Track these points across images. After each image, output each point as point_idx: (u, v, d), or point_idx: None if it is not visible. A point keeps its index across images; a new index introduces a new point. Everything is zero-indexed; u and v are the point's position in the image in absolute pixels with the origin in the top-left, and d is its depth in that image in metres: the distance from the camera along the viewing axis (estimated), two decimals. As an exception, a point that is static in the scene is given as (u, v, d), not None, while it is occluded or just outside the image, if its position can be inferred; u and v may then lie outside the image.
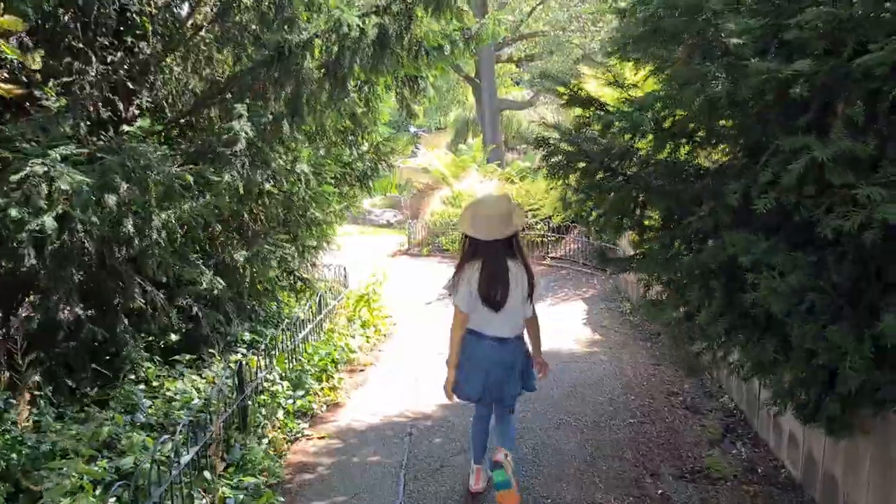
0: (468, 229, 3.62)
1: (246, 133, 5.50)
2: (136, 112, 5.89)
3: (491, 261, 3.55)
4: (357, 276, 11.84)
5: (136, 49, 5.90)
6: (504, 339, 3.69)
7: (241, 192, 5.69)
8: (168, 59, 6.26)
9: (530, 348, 3.93)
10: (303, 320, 6.66)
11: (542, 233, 12.19)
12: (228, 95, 6.06)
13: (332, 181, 7.27)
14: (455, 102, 30.81)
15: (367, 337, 7.58)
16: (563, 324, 8.01)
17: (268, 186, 6.37)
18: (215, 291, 5.90)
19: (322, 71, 6.11)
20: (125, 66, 5.59)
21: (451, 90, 29.65)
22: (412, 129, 37.64)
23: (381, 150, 7.92)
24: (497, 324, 3.66)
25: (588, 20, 24.60)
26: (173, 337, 5.91)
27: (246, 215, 6.51)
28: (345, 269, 9.88)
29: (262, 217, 6.87)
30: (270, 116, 5.96)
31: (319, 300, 7.09)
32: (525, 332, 3.88)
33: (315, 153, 7.16)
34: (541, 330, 3.99)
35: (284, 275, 7.43)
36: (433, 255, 13.81)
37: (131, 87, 5.75)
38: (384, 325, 8.10)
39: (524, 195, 13.15)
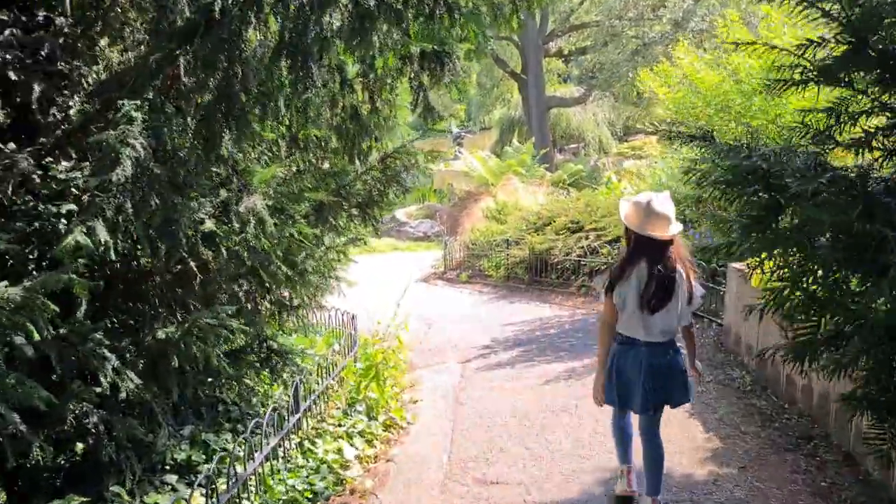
0: (635, 226, 3.45)
1: (135, 151, 3.09)
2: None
3: (659, 261, 3.41)
4: (378, 311, 9.48)
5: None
6: (659, 343, 3.51)
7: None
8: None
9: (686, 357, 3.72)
10: (281, 417, 4.30)
11: (607, 261, 9.63)
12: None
13: (313, 215, 4.78)
14: (499, 100, 28.21)
15: (373, 436, 5.13)
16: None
17: (209, 224, 3.98)
18: (122, 392, 3.55)
19: (277, 47, 3.71)
20: None
21: (495, 87, 27.06)
22: (454, 130, 35.22)
23: (391, 164, 5.45)
24: (653, 327, 3.47)
25: (647, 7, 21.80)
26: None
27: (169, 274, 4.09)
28: (353, 317, 7.44)
29: (214, 269, 4.45)
30: (191, 120, 3.56)
31: (295, 391, 4.65)
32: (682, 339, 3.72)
33: (289, 172, 4.73)
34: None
35: (256, 344, 5.03)
36: (473, 283, 11.32)
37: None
38: (400, 414, 5.54)
39: (582, 209, 10.60)
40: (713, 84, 7.76)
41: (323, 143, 5.82)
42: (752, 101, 7.46)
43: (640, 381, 3.52)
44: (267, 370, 5.10)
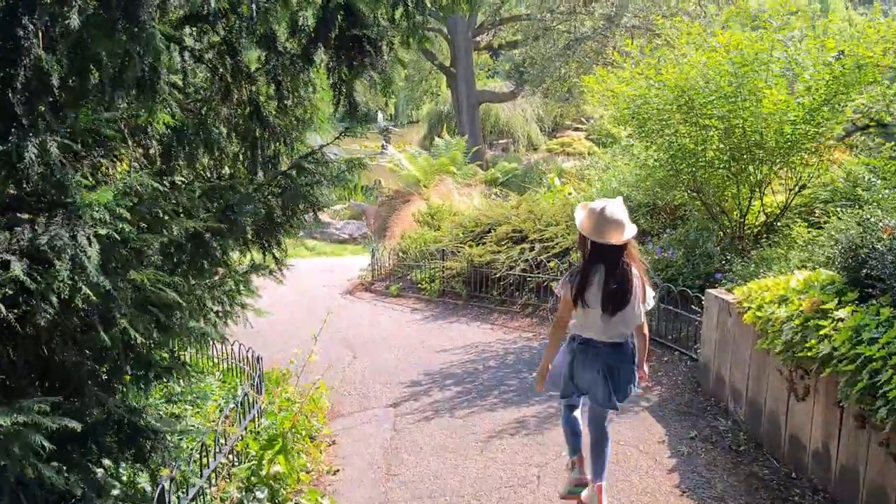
0: (592, 234, 3.50)
1: None
2: None
3: (613, 265, 3.48)
4: (295, 334, 8.19)
5: None
6: (616, 343, 3.61)
7: None
8: None
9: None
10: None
11: (555, 276, 8.42)
12: None
13: (185, 250, 3.38)
14: (428, 94, 26.90)
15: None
16: (632, 477, 4.34)
17: (16, 269, 2.57)
18: None
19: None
20: None
21: (423, 80, 25.73)
22: (381, 123, 33.79)
23: (297, 176, 4.08)
24: (609, 329, 3.56)
25: (578, 1, 20.84)
26: None
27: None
28: (259, 360, 6.05)
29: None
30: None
31: (161, 496, 3.27)
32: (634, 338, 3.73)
33: (147, 188, 3.32)
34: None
35: (111, 425, 3.62)
36: (405, 297, 10.01)
37: None
38: (315, 498, 4.18)
39: (525, 216, 9.39)
40: (679, 80, 6.66)
41: (216, 148, 4.45)
42: (736, 98, 6.42)
43: (603, 381, 3.63)
44: (129, 456, 3.70)
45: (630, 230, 3.52)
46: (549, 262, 8.36)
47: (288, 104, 4.29)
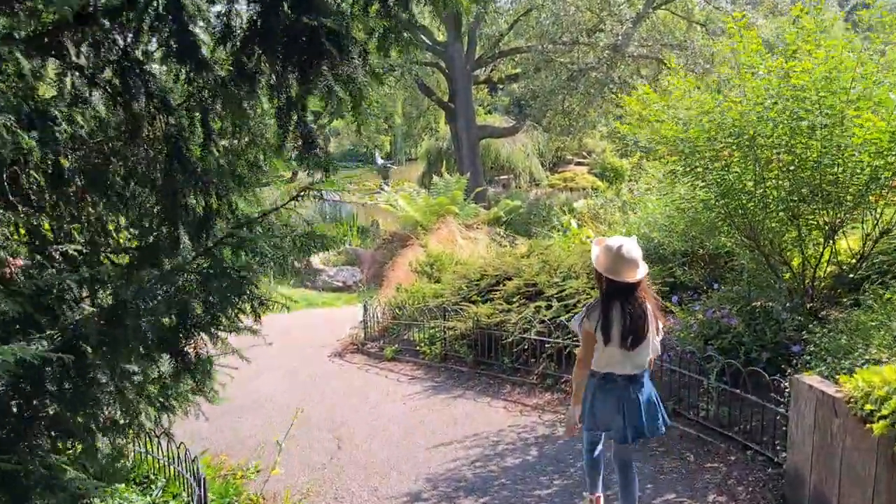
0: (609, 272, 3.55)
1: None
2: None
3: (632, 302, 3.54)
4: (272, 414, 6.83)
5: None
6: (634, 376, 3.66)
7: None
8: None
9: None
10: None
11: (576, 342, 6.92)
12: None
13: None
14: (426, 130, 25.66)
15: None
16: None
17: None
18: None
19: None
20: None
21: (421, 116, 24.51)
22: (379, 161, 32.59)
23: (234, 251, 2.70)
24: (628, 362, 3.62)
25: (581, 31, 19.64)
26: None
27: None
28: (202, 483, 4.55)
29: None
30: None
31: None
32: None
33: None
34: None
35: None
36: (402, 361, 8.56)
37: None
38: None
39: (538, 268, 7.95)
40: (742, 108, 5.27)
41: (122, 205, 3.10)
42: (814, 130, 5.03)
43: (620, 414, 3.63)
44: None
45: (643, 268, 3.61)
46: (568, 321, 6.91)
47: (215, 140, 2.91)
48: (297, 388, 7.87)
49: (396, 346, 8.87)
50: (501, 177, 30.54)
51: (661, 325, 3.77)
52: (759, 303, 5.84)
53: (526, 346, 7.16)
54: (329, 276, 14.69)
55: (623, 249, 3.54)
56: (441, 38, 21.48)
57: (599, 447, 3.96)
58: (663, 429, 3.79)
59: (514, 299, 7.71)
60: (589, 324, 3.61)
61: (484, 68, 23.07)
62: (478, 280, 8.62)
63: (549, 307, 7.32)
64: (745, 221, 5.87)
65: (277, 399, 7.60)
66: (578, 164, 35.28)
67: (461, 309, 8.10)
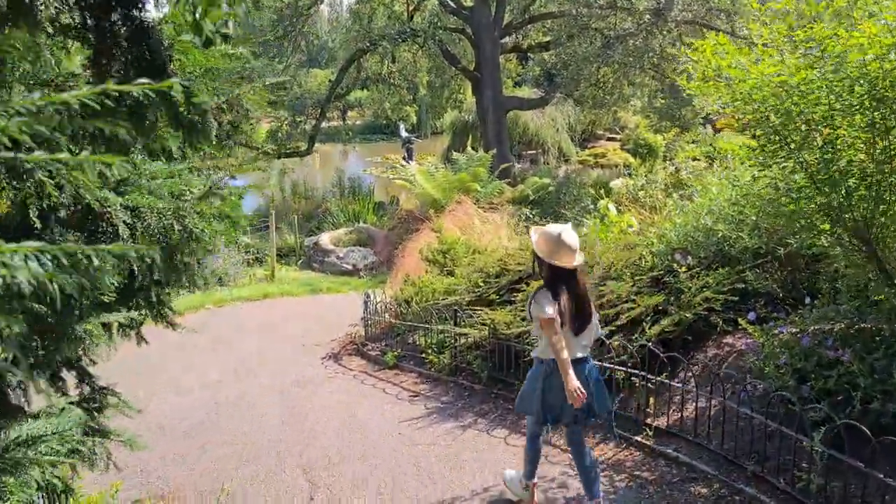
0: (554, 258, 3.59)
1: None
2: None
3: (574, 287, 3.64)
4: (242, 436, 5.50)
5: None
6: (583, 358, 3.71)
7: None
8: None
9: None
10: None
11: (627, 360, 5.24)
12: None
13: None
14: (451, 102, 23.97)
15: None
16: None
17: None
18: None
19: None
20: None
21: (445, 86, 22.81)
22: (403, 134, 30.99)
23: None
24: (576, 346, 3.66)
25: (620, -6, 17.74)
26: None
27: None
28: None
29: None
30: None
31: None
32: None
33: None
34: None
35: None
36: (404, 370, 7.10)
37: None
38: None
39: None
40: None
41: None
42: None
43: (567, 398, 3.57)
44: None
45: (580, 256, 3.68)
46: (610, 338, 5.37)
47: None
48: (276, 403, 6.45)
49: (400, 350, 7.39)
50: (529, 152, 28.81)
51: (594, 312, 3.84)
52: (871, 326, 4.25)
53: (554, 365, 5.63)
54: (338, 258, 13.24)
55: (564, 236, 3.59)
56: (468, 2, 19.74)
57: (543, 435, 4.01)
58: (611, 405, 3.92)
59: (541, 303, 6.16)
60: (543, 310, 3.54)
61: (513, 35, 21.25)
62: (497, 275, 7.09)
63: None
64: (855, 215, 4.25)
65: (249, 413, 6.20)
66: (610, 139, 33.36)
67: (476, 311, 6.58)
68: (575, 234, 3.66)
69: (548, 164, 27.46)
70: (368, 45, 18.70)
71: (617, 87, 19.86)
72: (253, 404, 6.42)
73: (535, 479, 4.11)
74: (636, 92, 22.92)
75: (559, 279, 3.59)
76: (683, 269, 5.58)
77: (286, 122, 20.69)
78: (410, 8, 20.63)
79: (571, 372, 3.49)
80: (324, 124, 21.84)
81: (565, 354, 3.51)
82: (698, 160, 15.37)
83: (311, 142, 20.33)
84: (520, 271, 6.78)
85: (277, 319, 9.42)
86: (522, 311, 6.08)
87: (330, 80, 21.31)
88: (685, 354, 5.25)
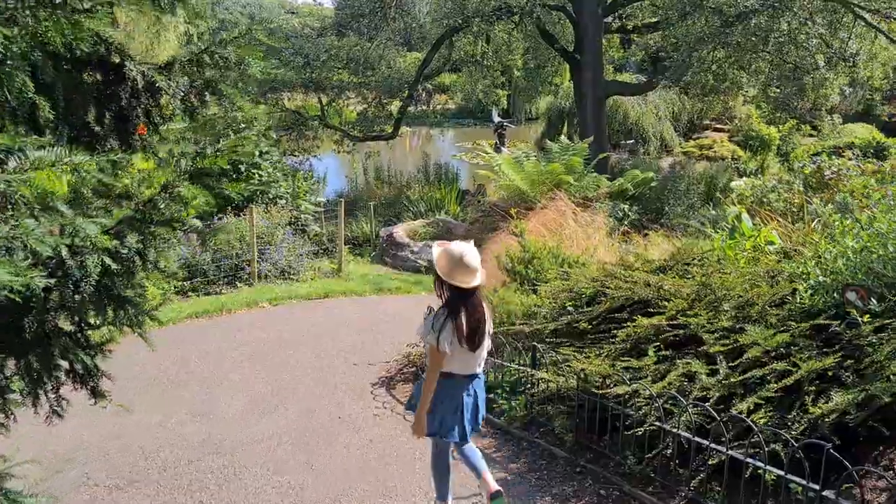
0: (453, 278, 3.53)
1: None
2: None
3: (473, 306, 3.59)
4: None
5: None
6: (474, 374, 3.73)
7: None
8: None
9: None
10: None
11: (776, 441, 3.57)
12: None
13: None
14: (547, 86, 22.09)
15: None
16: None
17: None
18: None
19: None
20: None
21: (541, 68, 20.96)
22: (496, 119, 29.30)
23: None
24: (472, 362, 3.68)
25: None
26: None
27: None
28: None
29: None
30: None
31: None
32: None
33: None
34: None
35: None
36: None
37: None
38: None
39: (690, 290, 4.69)
40: None
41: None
42: None
43: (458, 413, 3.65)
44: None
45: (481, 274, 3.61)
46: (753, 414, 3.64)
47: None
48: (295, 460, 5.04)
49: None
50: (627, 141, 26.60)
51: (490, 325, 3.78)
52: None
53: (668, 442, 3.96)
54: (412, 253, 11.80)
55: (465, 258, 3.55)
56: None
57: (450, 452, 3.90)
58: (484, 413, 3.85)
59: (647, 343, 4.49)
60: (434, 337, 3.52)
61: (618, 13, 19.17)
62: (591, 299, 5.44)
63: (711, 371, 4.08)
64: None
65: (262, 473, 4.82)
66: (717, 129, 30.57)
67: (562, 346, 4.97)
68: (476, 254, 3.62)
69: (647, 154, 25.23)
70: (461, 22, 17.14)
71: (730, 72, 17.55)
72: (266, 461, 5.02)
73: (450, 500, 3.97)
74: (750, 78, 20.41)
75: (458, 299, 3.56)
76: (866, 317, 3.79)
77: (373, 104, 19.48)
78: (508, -15, 18.88)
79: (425, 407, 3.60)
80: (416, 107, 20.53)
81: (433, 387, 3.59)
82: (833, 156, 13.04)
83: (397, 125, 19.01)
84: (621, 297, 5.10)
85: (333, 325, 8.07)
86: (625, 362, 4.42)
87: (420, 61, 19.87)
88: (867, 453, 3.49)
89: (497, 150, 24.01)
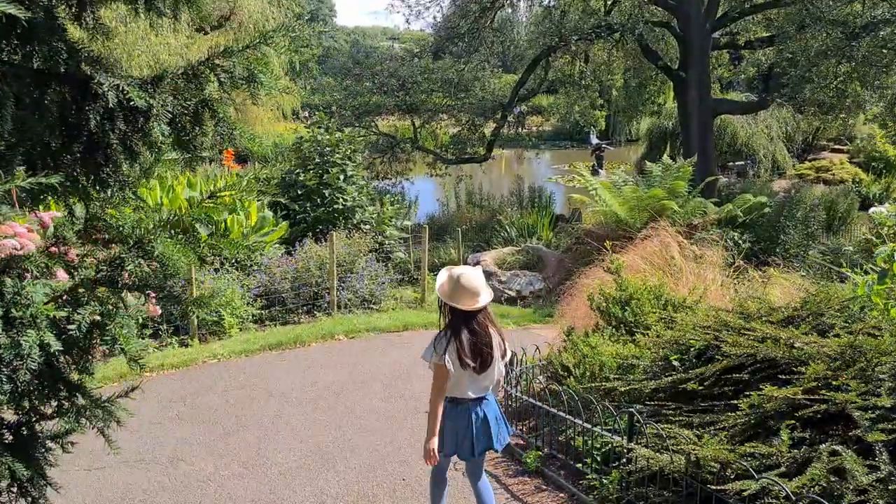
0: (452, 300, 3.55)
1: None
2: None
3: (476, 327, 3.57)
4: None
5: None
6: (480, 398, 3.68)
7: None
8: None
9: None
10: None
11: None
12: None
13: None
14: (648, 105, 20.88)
15: None
16: None
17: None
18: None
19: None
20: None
21: (643, 86, 19.80)
22: (594, 140, 28.20)
23: None
24: (479, 385, 3.64)
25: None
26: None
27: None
28: None
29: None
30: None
31: None
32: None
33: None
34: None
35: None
36: (548, 485, 4.70)
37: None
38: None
39: (834, 351, 3.72)
40: None
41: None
42: None
43: (469, 432, 3.65)
44: None
45: (486, 296, 3.61)
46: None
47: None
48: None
49: (548, 450, 5.03)
50: (737, 163, 24.89)
51: (507, 348, 3.75)
52: None
53: (808, 561, 2.99)
54: (500, 282, 11.03)
55: (463, 279, 3.56)
56: (674, -9, 16.68)
57: (447, 471, 3.92)
58: (507, 436, 3.83)
59: (780, 425, 3.53)
60: (438, 357, 3.52)
61: (727, 29, 17.82)
62: (701, 353, 4.50)
63: (871, 468, 3.09)
64: None
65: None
66: (835, 150, 28.25)
67: (665, 412, 4.07)
68: (477, 276, 3.63)
69: (758, 177, 23.47)
70: (558, 41, 16.34)
71: (852, 88, 15.91)
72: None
73: None
74: (873, 95, 18.52)
75: (459, 321, 3.55)
76: None
77: (467, 126, 18.93)
78: (609, 3, 17.93)
79: (436, 431, 3.53)
80: (511, 130, 19.84)
81: (440, 410, 3.55)
82: None
83: (490, 147, 18.35)
84: (742, 356, 4.14)
85: (407, 364, 7.40)
86: (749, 444, 3.48)
87: (515, 82, 19.17)
88: None
89: (594, 172, 22.96)
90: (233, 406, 6.21)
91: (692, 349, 4.61)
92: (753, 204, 12.70)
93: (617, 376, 4.94)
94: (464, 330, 3.53)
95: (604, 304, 5.91)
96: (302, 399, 6.40)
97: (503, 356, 3.71)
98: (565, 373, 5.37)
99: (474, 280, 3.57)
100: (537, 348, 6.19)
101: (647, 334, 5.22)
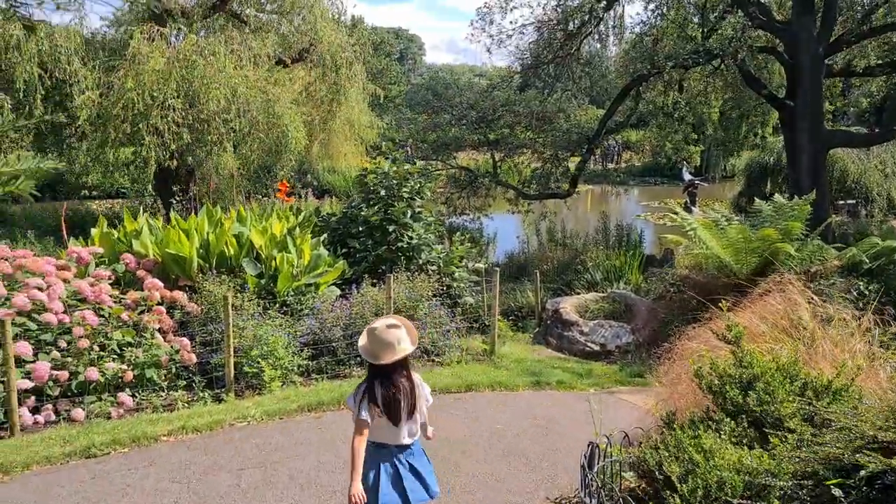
0: (368, 356, 3.56)
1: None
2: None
3: (390, 381, 3.54)
4: None
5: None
6: (407, 445, 3.64)
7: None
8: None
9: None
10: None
11: None
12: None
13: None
14: (751, 136, 18.91)
15: None
16: None
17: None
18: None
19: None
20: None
21: (743, 118, 17.91)
22: (686, 177, 26.18)
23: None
24: (399, 434, 3.58)
25: None
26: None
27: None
28: None
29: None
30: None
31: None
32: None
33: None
34: None
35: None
36: None
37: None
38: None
39: None
40: None
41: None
42: None
43: (399, 484, 3.55)
44: None
45: (403, 349, 3.55)
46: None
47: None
48: None
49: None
50: (848, 202, 22.39)
51: (427, 391, 3.74)
52: None
53: None
54: (581, 333, 9.53)
55: (378, 332, 3.55)
56: (781, 13, 14.95)
57: None
58: (436, 489, 3.71)
59: None
60: (354, 405, 3.56)
61: (841, 53, 15.83)
62: (872, 474, 2.96)
63: None
64: None
65: None
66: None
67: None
68: (395, 329, 3.55)
69: (871, 216, 20.98)
70: (651, 69, 14.82)
71: None
72: None
73: None
74: None
75: (375, 374, 3.54)
76: None
77: (550, 160, 17.59)
78: (707, 28, 16.29)
79: (358, 477, 3.40)
80: (601, 164, 18.39)
81: (359, 461, 3.44)
82: None
83: (574, 182, 16.91)
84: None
85: (463, 436, 6.03)
86: None
87: (602, 115, 17.72)
88: None
89: (687, 210, 21.05)
90: (243, 493, 5.01)
91: (862, 470, 3.07)
92: (882, 248, 10.68)
93: (743, 495, 3.42)
94: (375, 383, 3.52)
95: (717, 384, 4.39)
96: (328, 487, 5.13)
97: (425, 400, 3.71)
98: (666, 487, 3.87)
99: (388, 334, 3.53)
100: (626, 435, 4.71)
101: (781, 434, 3.68)
